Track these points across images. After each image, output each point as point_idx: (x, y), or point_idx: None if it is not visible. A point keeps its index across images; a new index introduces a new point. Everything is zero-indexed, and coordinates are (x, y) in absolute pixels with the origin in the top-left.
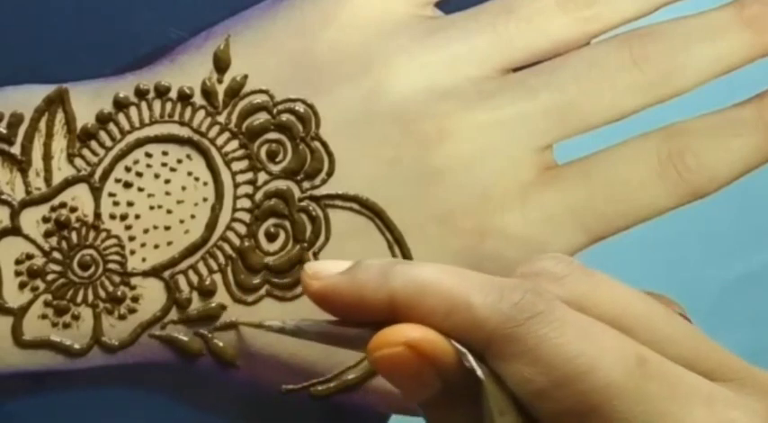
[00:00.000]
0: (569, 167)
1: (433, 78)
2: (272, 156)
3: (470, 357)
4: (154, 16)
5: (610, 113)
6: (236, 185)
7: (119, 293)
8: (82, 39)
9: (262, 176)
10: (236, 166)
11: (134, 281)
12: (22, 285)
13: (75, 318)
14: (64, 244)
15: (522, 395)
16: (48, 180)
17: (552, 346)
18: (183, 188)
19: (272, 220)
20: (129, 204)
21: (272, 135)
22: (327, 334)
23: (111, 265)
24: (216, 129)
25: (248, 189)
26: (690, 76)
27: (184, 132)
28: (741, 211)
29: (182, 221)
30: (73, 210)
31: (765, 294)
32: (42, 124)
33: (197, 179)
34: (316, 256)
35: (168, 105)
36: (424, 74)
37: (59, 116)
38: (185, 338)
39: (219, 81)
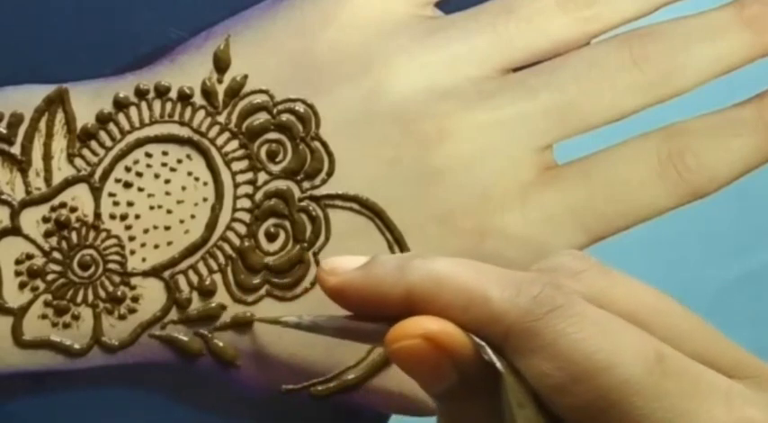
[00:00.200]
0: (569, 167)
1: (433, 78)
2: (272, 156)
3: (489, 350)
4: (154, 16)
5: (610, 113)
6: (236, 185)
7: (119, 293)
8: (82, 39)
9: (262, 176)
10: (236, 166)
11: (134, 281)
12: (22, 285)
13: (75, 318)
14: (64, 244)
15: (541, 389)
16: (48, 180)
17: (571, 342)
18: (183, 188)
19: (272, 220)
20: (129, 204)
21: (272, 135)
22: (344, 329)
23: (111, 265)
24: (216, 129)
25: (248, 189)
26: (690, 76)
27: (184, 132)
28: (741, 211)
29: (182, 221)
30: (73, 210)
31: (765, 294)
32: (42, 124)
33: (197, 179)
34: (316, 256)
35: (168, 105)
36: (424, 74)
37: (59, 116)
38: (185, 338)
39: (219, 81)
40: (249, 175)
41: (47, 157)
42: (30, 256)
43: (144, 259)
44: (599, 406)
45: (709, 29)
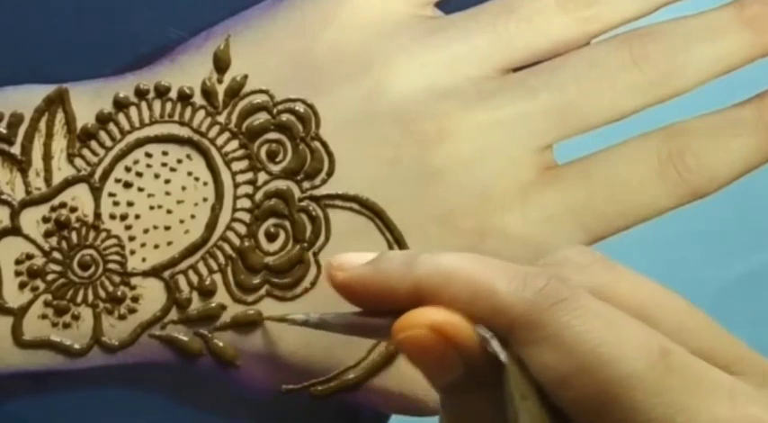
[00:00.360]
0: (569, 167)
1: (433, 78)
2: (272, 156)
3: (494, 342)
4: (154, 16)
5: (610, 113)
6: (236, 185)
7: (119, 293)
8: (82, 39)
9: (262, 176)
10: (236, 166)
11: (134, 281)
12: (22, 285)
13: (75, 318)
14: (64, 244)
15: (544, 381)
16: (48, 180)
17: (575, 334)
18: (183, 188)
19: (272, 220)
20: (129, 204)
21: (272, 135)
22: (352, 325)
23: (111, 265)
24: (216, 129)
25: (248, 189)
26: (690, 76)
27: (184, 132)
28: (741, 211)
29: (182, 221)
30: (73, 210)
31: (765, 294)
32: (42, 124)
33: (197, 179)
34: (316, 256)
35: (168, 105)
36: (424, 74)
37: (59, 116)
38: (185, 338)
39: (219, 81)
40: (249, 175)
41: (47, 157)
42: (30, 256)
43: (144, 259)
44: (601, 399)
45: (709, 29)
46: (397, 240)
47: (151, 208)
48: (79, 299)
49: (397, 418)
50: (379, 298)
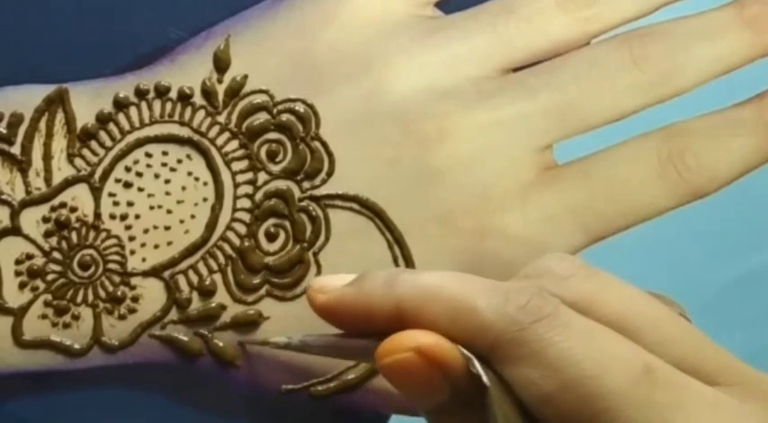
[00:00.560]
0: (569, 167)
1: (433, 78)
2: (272, 156)
3: (476, 363)
4: (154, 16)
5: (610, 113)
6: (236, 185)
7: (119, 293)
8: (82, 39)
9: (262, 176)
10: (236, 166)
11: (134, 281)
12: (22, 285)
13: (75, 318)
14: (64, 244)
15: (528, 399)
16: (48, 180)
17: (558, 350)
18: (183, 188)
19: (272, 220)
20: (129, 204)
21: (272, 135)
22: (334, 347)
23: (111, 265)
24: (216, 129)
25: (248, 189)
26: (690, 76)
27: (184, 132)
28: (741, 211)
29: (182, 221)
30: (73, 210)
31: (765, 294)
32: (42, 124)
33: (197, 179)
34: (316, 256)
35: (168, 105)
36: (424, 74)
37: (59, 116)
38: (185, 338)
39: (219, 81)
40: (249, 175)
41: (47, 157)
42: (30, 256)
43: (144, 259)
44: (585, 415)
45: (709, 29)
46: (397, 240)
47: (151, 208)
48: (79, 299)
49: (397, 418)
50: (361, 319)
